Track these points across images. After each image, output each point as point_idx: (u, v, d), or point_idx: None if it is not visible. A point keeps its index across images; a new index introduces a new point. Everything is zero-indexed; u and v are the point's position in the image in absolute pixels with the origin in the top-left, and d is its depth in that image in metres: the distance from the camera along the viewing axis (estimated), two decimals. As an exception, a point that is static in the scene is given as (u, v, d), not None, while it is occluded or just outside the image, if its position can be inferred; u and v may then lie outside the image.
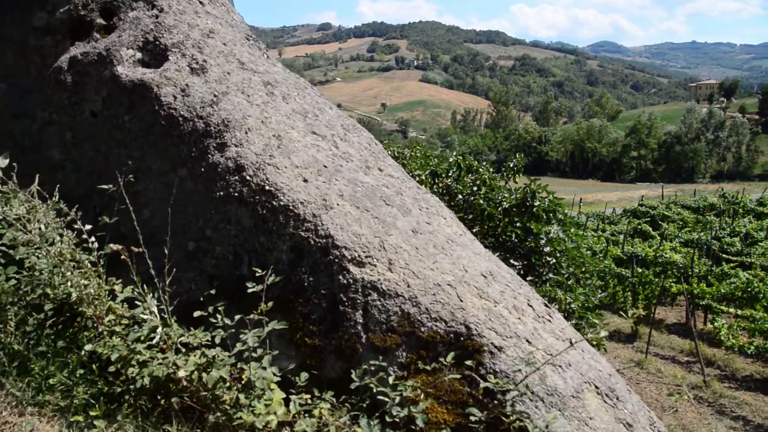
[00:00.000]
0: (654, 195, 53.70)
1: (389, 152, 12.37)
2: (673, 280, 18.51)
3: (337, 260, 2.78)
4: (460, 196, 11.94)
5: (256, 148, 3.18)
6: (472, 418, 2.27)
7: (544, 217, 12.09)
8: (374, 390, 2.41)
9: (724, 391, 13.21)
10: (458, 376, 2.42)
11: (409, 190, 3.57)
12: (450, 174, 12.50)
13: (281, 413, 2.31)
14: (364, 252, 2.77)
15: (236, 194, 3.06)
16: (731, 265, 19.49)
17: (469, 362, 2.51)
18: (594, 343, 11.08)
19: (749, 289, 15.64)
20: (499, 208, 11.72)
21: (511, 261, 11.58)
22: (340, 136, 3.71)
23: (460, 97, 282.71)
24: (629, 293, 18.93)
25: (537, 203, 11.74)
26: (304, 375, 2.61)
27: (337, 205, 2.96)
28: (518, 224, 11.77)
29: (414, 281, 2.71)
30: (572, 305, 11.28)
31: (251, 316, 2.68)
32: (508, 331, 2.67)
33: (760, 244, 24.57)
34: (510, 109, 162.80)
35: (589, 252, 15.68)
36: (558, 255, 11.73)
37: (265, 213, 2.97)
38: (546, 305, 3.22)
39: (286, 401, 2.57)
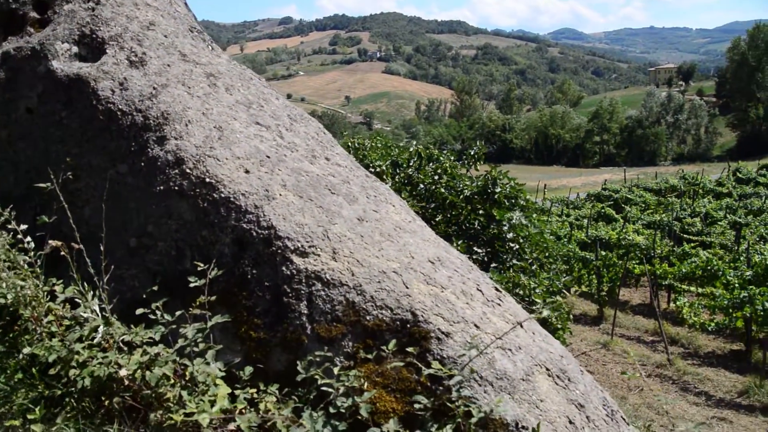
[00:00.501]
0: (617, 179, 54.46)
1: (349, 144, 12.35)
2: (636, 262, 18.78)
3: (280, 251, 2.73)
4: (422, 186, 11.95)
5: (196, 140, 3.11)
6: (417, 406, 2.25)
7: (506, 203, 12.17)
8: (319, 381, 2.37)
9: (688, 368, 13.46)
10: (403, 364, 2.39)
11: (356, 178, 3.53)
12: (411, 163, 12.51)
13: (215, 410, 2.26)
14: (307, 242, 2.73)
15: (176, 188, 2.99)
16: (692, 245, 19.86)
17: (415, 349, 2.48)
18: (559, 326, 11.21)
19: (709, 268, 15.94)
20: (461, 196, 11.76)
21: (475, 248, 11.64)
22: (286, 126, 3.65)
23: (424, 88, 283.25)
24: (594, 276, 19.16)
25: (498, 190, 11.81)
26: (249, 369, 2.56)
27: (280, 195, 2.91)
28: (481, 211, 11.83)
29: (359, 269, 2.67)
30: (537, 290, 11.37)
31: (193, 311, 2.62)
32: (455, 316, 2.66)
33: (719, 223, 25.08)
34: (473, 98, 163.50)
35: (552, 237, 15.83)
36: (521, 241, 11.82)
37: (206, 206, 2.91)
38: (497, 289, 3.21)
39: (232, 396, 2.52)
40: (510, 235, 11.63)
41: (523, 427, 2.44)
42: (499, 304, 2.99)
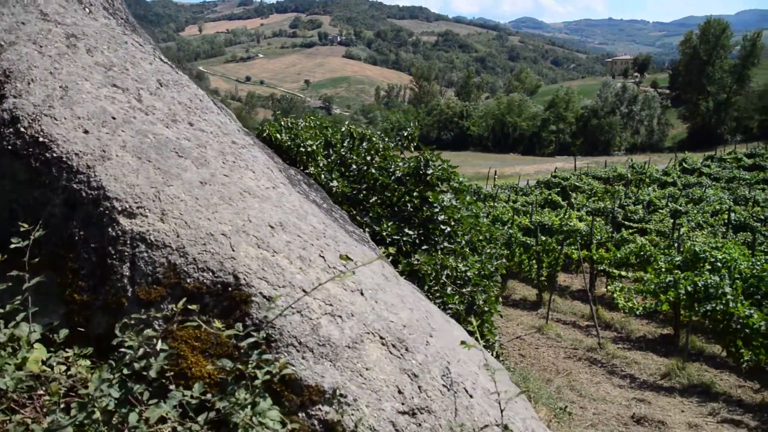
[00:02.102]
0: (570, 167, 55.20)
1: (281, 125, 12.14)
2: (575, 248, 19.04)
3: (107, 212, 2.62)
4: (354, 166, 11.86)
5: (36, 99, 2.97)
6: (228, 368, 2.17)
7: (439, 185, 12.16)
8: (127, 343, 2.27)
9: (617, 352, 13.72)
10: (222, 327, 2.31)
11: (219, 144, 3.43)
12: (345, 144, 12.40)
13: (21, 374, 2.16)
14: (136, 203, 2.62)
15: (10, 147, 2.84)
16: (630, 231, 20.19)
17: (235, 313, 2.41)
18: (486, 308, 11.28)
19: (642, 254, 16.23)
20: (392, 178, 11.71)
21: (406, 230, 11.63)
22: (151, 90, 3.52)
23: (384, 73, 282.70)
24: (534, 261, 19.36)
25: (430, 171, 11.79)
26: (64, 331, 2.45)
27: (117, 156, 2.79)
28: (415, 194, 11.80)
29: (185, 231, 2.58)
30: (468, 273, 11.41)
31: (12, 272, 2.51)
32: (282, 281, 2.58)
33: (660, 211, 25.59)
34: (432, 85, 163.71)
35: (487, 221, 15.93)
36: (452, 224, 11.84)
37: (39, 166, 2.78)
38: (348, 258, 3.14)
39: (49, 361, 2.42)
40: (441, 217, 11.63)
41: (341, 394, 2.38)
42: (343, 272, 2.93)
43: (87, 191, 2.67)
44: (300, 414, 2.32)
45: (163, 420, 2.17)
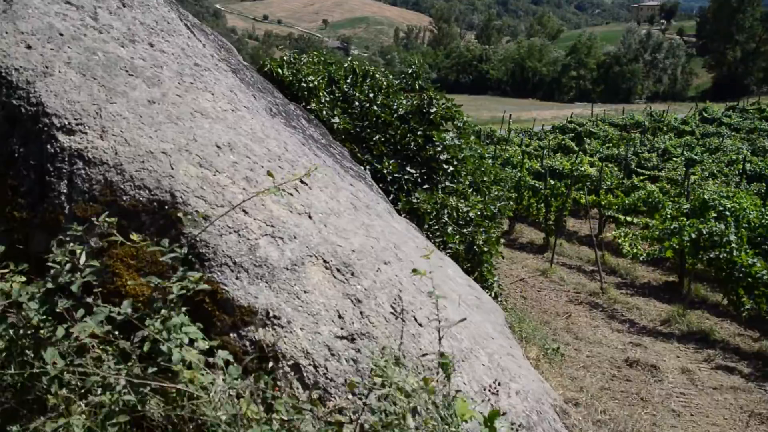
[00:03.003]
0: (588, 114, 54.30)
1: (284, 59, 11.92)
2: (584, 192, 18.83)
3: (46, 128, 2.54)
4: (357, 103, 11.68)
5: (-23, 11, 2.86)
6: (152, 285, 2.11)
7: (443, 124, 11.98)
8: (59, 259, 2.22)
9: (619, 297, 13.67)
10: (156, 247, 2.24)
11: (180, 66, 3.32)
12: (348, 81, 12.19)
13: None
14: (75, 119, 2.54)
15: (-52, 61, 2.75)
16: (641, 178, 19.92)
17: (171, 231, 2.34)
18: (486, 249, 11.22)
19: (650, 200, 16.02)
20: (395, 115, 11.53)
21: (408, 168, 11.51)
22: (110, 10, 3.39)
23: (404, 14, 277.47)
24: (542, 205, 19.20)
25: (434, 110, 11.59)
26: (0, 247, 2.40)
27: (59, 72, 2.69)
28: (419, 132, 11.63)
29: (124, 148, 2.49)
30: (470, 213, 11.32)
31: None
32: (221, 200, 2.51)
33: (674, 159, 25.17)
34: (452, 27, 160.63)
35: (495, 162, 15.73)
36: (455, 163, 11.69)
37: (-22, 80, 2.69)
38: (302, 182, 3.06)
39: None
40: (444, 156, 11.49)
41: (275, 316, 2.33)
42: (291, 194, 2.85)
43: (26, 107, 2.59)
44: (231, 334, 2.27)
45: (96, 336, 2.13)
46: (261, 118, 3.65)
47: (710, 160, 24.56)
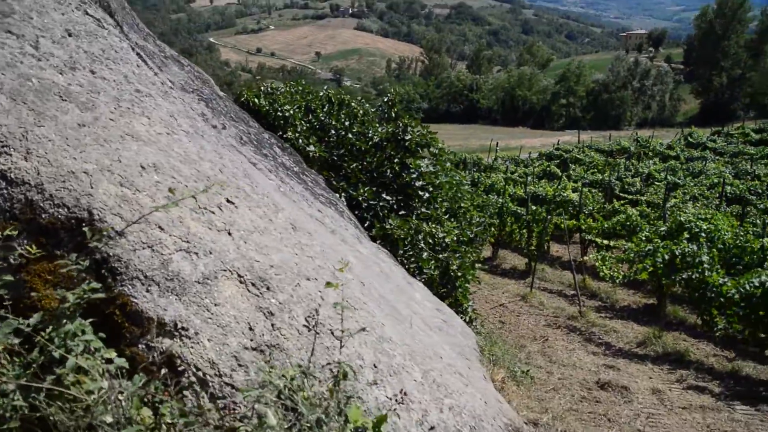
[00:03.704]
0: (576, 141, 54.74)
1: (261, 90, 12.09)
2: (565, 217, 19.00)
3: (-28, 152, 2.65)
4: (333, 132, 11.85)
5: None
6: (66, 303, 2.20)
7: (419, 151, 12.14)
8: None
9: (597, 321, 13.74)
10: (73, 264, 2.34)
11: (119, 92, 3.44)
12: (326, 109, 12.38)
13: None
14: (1, 142, 2.65)
15: None
16: (621, 202, 20.12)
17: (88, 247, 2.44)
18: (460, 274, 11.30)
19: (628, 224, 16.20)
20: (370, 143, 11.69)
21: (384, 196, 11.63)
22: (54, 39, 3.52)
23: (396, 46, 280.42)
24: (525, 230, 19.35)
25: (408, 137, 11.76)
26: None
27: (-9, 99, 2.81)
28: (396, 160, 11.79)
29: (46, 169, 2.60)
30: (446, 239, 11.43)
31: None
32: (137, 217, 2.61)
33: (656, 183, 25.44)
34: (443, 57, 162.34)
35: (466, 187, 15.89)
36: (431, 189, 11.84)
37: None
38: (230, 201, 3.16)
39: None
40: (419, 183, 11.64)
41: (183, 327, 2.42)
42: (212, 212, 2.95)
43: (-45, 132, 2.69)
44: (140, 345, 2.36)
45: (5, 348, 2.20)
46: (201, 142, 3.77)
47: (692, 184, 24.83)
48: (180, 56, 10.91)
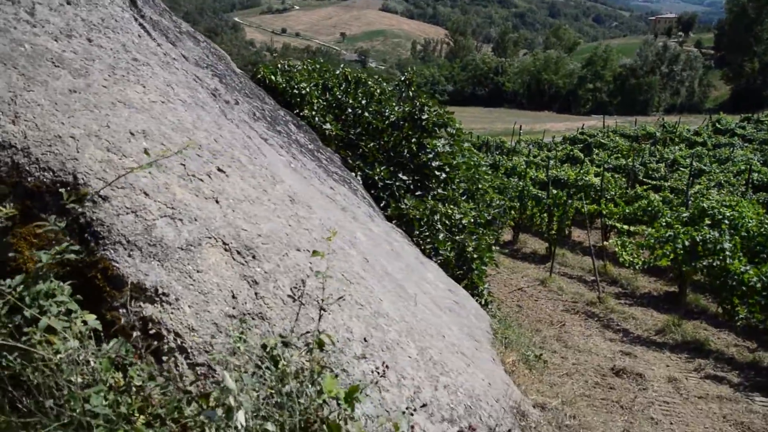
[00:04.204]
0: (602, 126, 54.07)
1: (278, 67, 12.02)
2: (587, 202, 18.77)
3: (-40, 114, 2.63)
4: (350, 110, 11.77)
5: None
6: (40, 263, 2.18)
7: (436, 131, 12.02)
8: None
9: (616, 307, 13.57)
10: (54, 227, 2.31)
11: (115, 60, 3.41)
12: (342, 87, 12.30)
13: None
14: (-11, 106, 2.63)
15: None
16: (644, 187, 19.83)
17: (74, 208, 2.41)
18: (476, 256, 11.20)
19: (650, 209, 15.95)
20: (387, 122, 11.60)
21: (400, 175, 11.55)
22: (52, 6, 3.48)
23: (422, 28, 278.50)
24: (545, 215, 19.16)
25: (425, 116, 11.64)
26: None
27: (-19, 60, 2.79)
28: (413, 140, 11.69)
29: (33, 133, 2.57)
30: (462, 221, 11.33)
31: None
32: (122, 182, 2.58)
33: (682, 169, 25.04)
34: (468, 39, 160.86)
35: (484, 169, 15.72)
36: (447, 170, 11.72)
37: None
38: (220, 170, 3.12)
39: None
40: (436, 163, 11.53)
41: (163, 293, 2.39)
42: (201, 180, 2.91)
43: (-56, 94, 2.68)
44: (121, 310, 2.33)
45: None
46: (200, 112, 3.72)
47: (718, 170, 24.39)
48: (196, 33, 10.89)
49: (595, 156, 28.75)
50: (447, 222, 11.26)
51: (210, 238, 2.66)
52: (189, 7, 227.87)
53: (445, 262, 10.82)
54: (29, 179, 2.49)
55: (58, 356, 1.72)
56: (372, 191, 11.25)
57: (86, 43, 3.39)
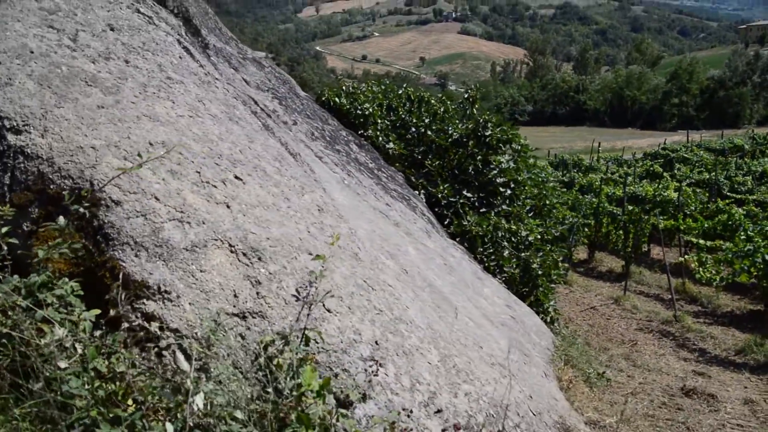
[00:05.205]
0: (685, 141, 52.20)
1: (343, 89, 12.28)
2: (663, 218, 18.14)
3: (-1, 130, 2.87)
4: (413, 129, 11.88)
5: (-40, 36, 3.26)
6: (36, 258, 2.35)
7: (501, 147, 11.96)
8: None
9: (694, 326, 13.00)
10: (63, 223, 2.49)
11: (149, 79, 3.62)
12: (405, 107, 12.44)
13: None
14: (23, 121, 2.85)
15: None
16: (726, 201, 19.00)
17: (89, 211, 2.58)
18: (540, 272, 11.00)
19: (731, 224, 15.27)
20: (449, 140, 11.63)
21: (464, 192, 11.54)
22: (94, 33, 3.74)
23: (501, 49, 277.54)
24: (621, 232, 18.64)
25: (489, 132, 11.61)
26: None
27: (19, 82, 3.02)
28: (479, 157, 11.67)
29: (58, 144, 2.77)
30: (529, 238, 11.19)
31: None
32: (135, 187, 2.73)
33: (771, 182, 23.88)
34: (547, 58, 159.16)
35: (552, 185, 15.44)
36: (512, 186, 11.62)
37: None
38: (238, 177, 3.25)
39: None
40: (500, 180, 11.45)
41: (165, 291, 2.51)
42: (215, 186, 3.04)
43: (-14, 112, 2.92)
44: (125, 306, 2.47)
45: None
46: (231, 126, 3.88)
47: (811, 184, 23.14)
48: (263, 59, 11.29)
49: (676, 171, 27.75)
50: (512, 239, 11.14)
51: (216, 240, 2.79)
52: (272, 39, 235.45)
53: (510, 279, 10.70)
54: (51, 186, 2.68)
55: (43, 341, 1.85)
56: (435, 209, 11.28)
57: (123, 65, 3.62)
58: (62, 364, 1.83)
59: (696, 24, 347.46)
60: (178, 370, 1.89)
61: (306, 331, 2.49)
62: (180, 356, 1.92)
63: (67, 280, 2.28)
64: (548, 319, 10.62)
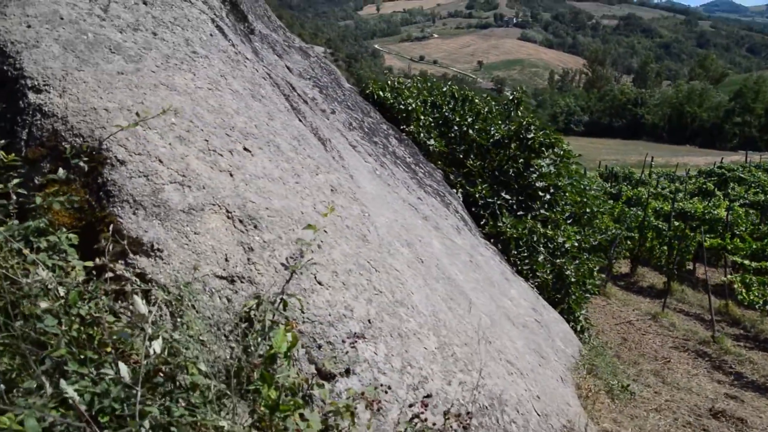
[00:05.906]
0: (748, 162, 50.68)
1: (388, 83, 12.30)
2: (710, 236, 17.69)
3: (21, 88, 2.97)
4: (456, 127, 11.83)
5: (-8, -1, 3.39)
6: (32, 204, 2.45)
7: (543, 151, 11.83)
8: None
9: (732, 348, 12.66)
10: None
11: (173, 51, 3.70)
12: (450, 105, 12.40)
13: None
14: (44, 81, 2.95)
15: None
16: (779, 223, 18.42)
17: (92, 169, 2.68)
18: (573, 279, 10.83)
19: (780, 245, 14.81)
20: (491, 141, 11.56)
21: (503, 194, 11.45)
22: (127, 5, 3.85)
23: (560, 57, 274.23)
24: (665, 247, 18.24)
25: (531, 135, 11.50)
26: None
27: (45, 45, 3.14)
28: (521, 160, 11.58)
29: (74, 105, 2.87)
30: (565, 245, 11.05)
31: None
32: (140, 149, 2.81)
33: (830, 207, 23.00)
34: (606, 69, 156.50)
35: (593, 192, 15.16)
36: (552, 191, 11.48)
37: (-18, 50, 3.18)
38: (246, 149, 3.31)
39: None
40: (540, 183, 11.33)
41: (158, 249, 2.58)
42: (221, 155, 3.10)
43: (12, 71, 3.04)
44: (120, 261, 2.55)
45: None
46: (251, 102, 3.95)
47: None
48: (309, 49, 11.39)
49: (730, 191, 26.99)
50: (549, 244, 11.01)
51: (214, 205, 2.85)
52: (332, 35, 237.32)
53: (542, 284, 10.59)
54: (63, 144, 2.78)
55: (25, 280, 1.94)
56: (472, 209, 11.23)
57: (150, 36, 3.71)
58: (43, 305, 1.91)
59: (766, 42, 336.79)
60: (139, 314, 1.95)
61: (285, 296, 2.53)
62: (137, 300, 1.97)
63: (65, 230, 2.37)
64: (578, 328, 10.47)
